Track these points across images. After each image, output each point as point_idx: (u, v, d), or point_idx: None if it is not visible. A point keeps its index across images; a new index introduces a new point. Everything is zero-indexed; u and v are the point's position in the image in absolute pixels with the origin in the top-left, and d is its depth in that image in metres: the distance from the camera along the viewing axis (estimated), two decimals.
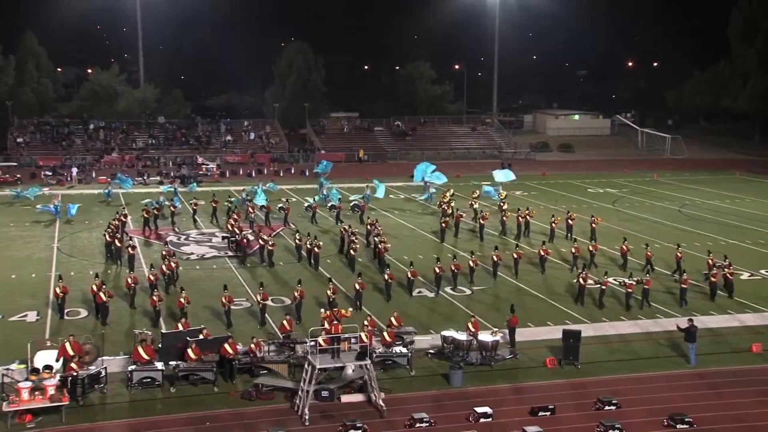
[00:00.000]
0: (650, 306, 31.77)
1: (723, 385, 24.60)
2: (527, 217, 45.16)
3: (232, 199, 51.22)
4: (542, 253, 37.55)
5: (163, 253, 35.46)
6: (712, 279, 33.41)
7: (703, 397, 23.62)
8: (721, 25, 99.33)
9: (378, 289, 33.72)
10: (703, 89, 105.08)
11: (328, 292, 30.19)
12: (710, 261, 35.10)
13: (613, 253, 39.69)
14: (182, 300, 28.81)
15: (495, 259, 36.17)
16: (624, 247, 38.39)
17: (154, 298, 29.65)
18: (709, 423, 21.81)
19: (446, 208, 47.98)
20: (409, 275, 33.43)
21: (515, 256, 36.83)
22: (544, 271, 37.11)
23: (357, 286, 31.49)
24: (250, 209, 47.25)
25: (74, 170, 67.90)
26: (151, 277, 32.02)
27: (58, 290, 30.09)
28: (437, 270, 33.68)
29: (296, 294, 29.86)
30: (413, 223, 49.18)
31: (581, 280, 32.28)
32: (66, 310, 30.32)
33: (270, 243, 38.53)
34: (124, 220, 44.18)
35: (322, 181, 56.89)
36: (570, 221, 44.53)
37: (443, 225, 44.62)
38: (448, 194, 51.73)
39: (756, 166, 78.89)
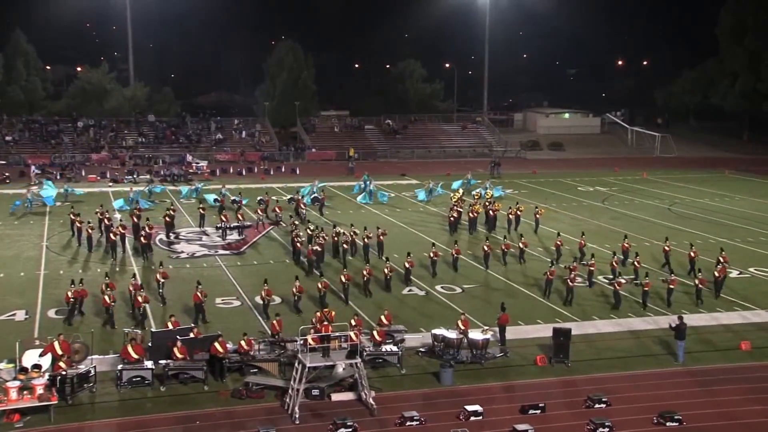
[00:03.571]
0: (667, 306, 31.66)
1: (712, 382, 24.69)
2: (518, 212, 46.04)
3: (234, 197, 51.42)
4: (504, 248, 38.49)
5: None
6: (717, 275, 33.29)
7: (693, 395, 23.69)
8: (710, 24, 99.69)
9: (377, 281, 33.98)
10: (693, 88, 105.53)
11: (342, 279, 31.88)
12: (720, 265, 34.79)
13: (602, 251, 39.77)
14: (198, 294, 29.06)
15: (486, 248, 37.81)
16: (625, 244, 38.55)
17: (139, 298, 29.19)
18: (699, 420, 21.88)
19: (456, 205, 48.57)
20: (386, 272, 33.85)
21: (486, 248, 37.84)
22: (490, 265, 37.54)
23: (365, 273, 32.96)
24: (260, 211, 46.59)
25: (33, 168, 67.29)
26: (159, 277, 31.77)
27: (69, 294, 28.88)
28: (407, 264, 34.75)
29: (294, 290, 30.39)
30: (404, 221, 49.19)
31: (569, 280, 32.45)
32: (55, 309, 30.15)
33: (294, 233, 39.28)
34: (102, 219, 43.08)
35: (365, 178, 59.44)
36: (518, 212, 45.73)
37: (451, 219, 45.44)
38: (455, 195, 52.02)
39: (745, 165, 79.25)
